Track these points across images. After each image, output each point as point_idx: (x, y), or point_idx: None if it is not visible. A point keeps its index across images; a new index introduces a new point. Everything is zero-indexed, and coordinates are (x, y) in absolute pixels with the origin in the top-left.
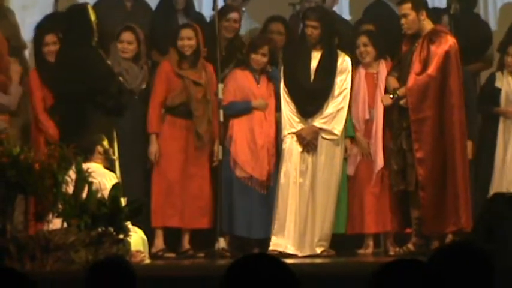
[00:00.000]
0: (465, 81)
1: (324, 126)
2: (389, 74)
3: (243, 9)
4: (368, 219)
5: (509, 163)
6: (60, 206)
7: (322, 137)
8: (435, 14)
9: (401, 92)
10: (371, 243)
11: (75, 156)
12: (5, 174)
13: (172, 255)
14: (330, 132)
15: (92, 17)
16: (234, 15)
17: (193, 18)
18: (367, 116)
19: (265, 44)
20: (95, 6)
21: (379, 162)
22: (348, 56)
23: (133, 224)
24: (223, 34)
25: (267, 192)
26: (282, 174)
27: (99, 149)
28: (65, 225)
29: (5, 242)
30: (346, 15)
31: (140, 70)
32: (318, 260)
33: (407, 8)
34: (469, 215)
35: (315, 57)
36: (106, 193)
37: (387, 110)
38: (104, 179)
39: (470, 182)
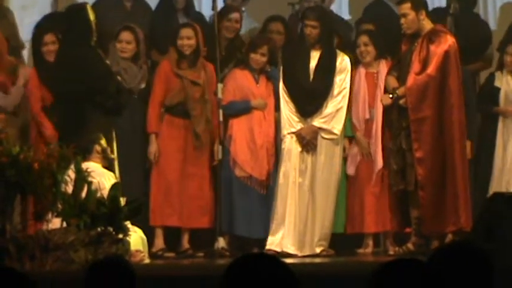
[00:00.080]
0: (464, 80)
1: (324, 126)
2: (388, 73)
3: (243, 9)
4: (368, 219)
5: (509, 163)
6: (59, 206)
7: (322, 137)
8: (438, 15)
9: (400, 91)
10: (371, 242)
11: (75, 156)
12: (4, 174)
13: (172, 254)
14: (330, 132)
15: (91, 16)
16: (235, 15)
17: (193, 18)
18: (367, 116)
19: (264, 44)
20: (94, 6)
21: (379, 162)
22: (348, 55)
23: (132, 224)
24: (223, 34)
25: (266, 191)
26: (281, 174)
27: (97, 148)
28: (65, 224)
29: (4, 242)
30: (346, 15)
31: (139, 70)
32: (318, 260)
33: (406, 7)
34: (468, 214)
35: (314, 57)
36: (105, 193)
37: (386, 109)
38: (102, 178)
39: (470, 182)
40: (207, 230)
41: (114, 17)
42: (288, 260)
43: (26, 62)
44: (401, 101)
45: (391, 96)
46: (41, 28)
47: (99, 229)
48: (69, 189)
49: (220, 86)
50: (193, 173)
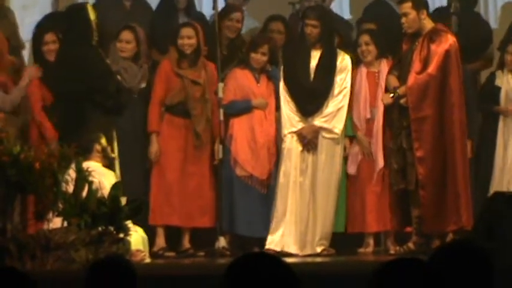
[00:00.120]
0: (465, 80)
1: (325, 125)
2: (389, 72)
3: (243, 8)
4: (369, 218)
5: (510, 162)
6: (60, 205)
7: (323, 136)
8: (441, 14)
9: (401, 91)
10: (371, 242)
11: (76, 155)
12: (5, 173)
13: (172, 254)
14: (331, 131)
15: (92, 16)
16: (236, 15)
17: (194, 18)
18: (368, 115)
19: (265, 43)
20: (94, 6)
21: (381, 161)
22: (348, 54)
23: (133, 223)
24: (225, 34)
25: (267, 191)
26: (281, 174)
27: (97, 147)
28: (65, 224)
29: (5, 241)
30: (347, 15)
31: (139, 69)
32: (319, 259)
33: (407, 7)
34: (469, 213)
35: (315, 56)
36: (105, 192)
37: (387, 109)
38: (103, 177)
39: (471, 181)
40: (207, 229)
41: (113, 17)
42: (289, 259)
43: (26, 62)
44: (402, 100)
45: (391, 95)
46: (41, 27)
47: (100, 228)
48: (70, 188)
49: (221, 85)
50: (194, 172)
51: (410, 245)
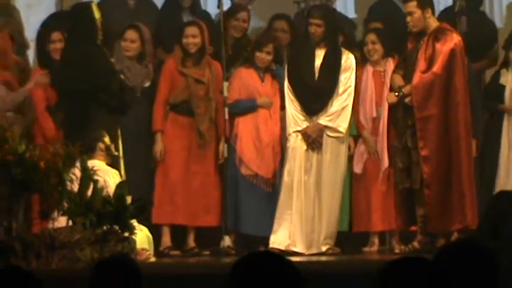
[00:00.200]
0: (470, 79)
1: (329, 124)
2: (394, 71)
3: (249, 8)
4: (375, 217)
5: None
6: (65, 204)
7: (327, 135)
8: (449, 14)
9: (406, 90)
10: (376, 241)
11: (81, 154)
12: (10, 172)
13: (178, 253)
14: (335, 130)
15: (97, 15)
16: (242, 14)
17: (199, 16)
18: (374, 114)
19: (269, 42)
20: (98, 5)
21: (386, 160)
22: (353, 53)
23: (138, 222)
24: (231, 33)
25: (272, 190)
26: (285, 172)
27: (101, 145)
28: (70, 223)
29: (10, 240)
30: (352, 13)
31: (142, 68)
32: (324, 258)
33: (412, 5)
34: (474, 212)
35: (319, 55)
36: (110, 191)
37: (392, 108)
38: (107, 176)
39: (476, 180)
40: (213, 228)
41: (117, 16)
42: (294, 258)
43: (31, 61)
44: (407, 99)
45: (396, 94)
46: (48, 26)
47: (105, 227)
48: (75, 187)
49: (225, 84)
50: (198, 171)
51: (415, 244)
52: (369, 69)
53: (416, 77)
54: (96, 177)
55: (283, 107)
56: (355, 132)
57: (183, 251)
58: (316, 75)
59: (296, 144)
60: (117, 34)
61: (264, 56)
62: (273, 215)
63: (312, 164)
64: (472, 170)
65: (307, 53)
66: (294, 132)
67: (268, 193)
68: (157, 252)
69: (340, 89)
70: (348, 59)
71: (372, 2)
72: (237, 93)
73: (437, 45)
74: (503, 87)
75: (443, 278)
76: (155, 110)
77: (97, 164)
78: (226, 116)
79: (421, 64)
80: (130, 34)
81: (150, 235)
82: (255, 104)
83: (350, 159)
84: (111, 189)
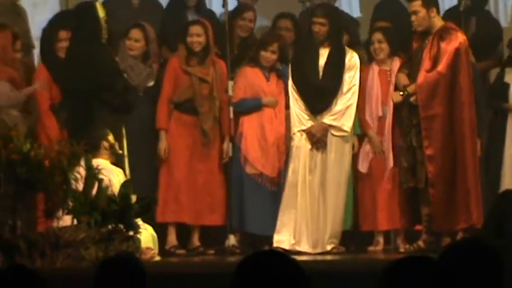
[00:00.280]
0: (474, 78)
1: (334, 123)
2: (399, 71)
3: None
4: (380, 217)
5: None
6: (70, 203)
7: (332, 134)
8: (453, 13)
9: (411, 89)
10: (381, 240)
11: (86, 153)
12: (15, 171)
13: (184, 251)
14: (340, 129)
15: (101, 14)
16: (249, 14)
17: (204, 15)
18: (380, 113)
19: (274, 41)
20: (102, 4)
21: (392, 159)
22: (357, 52)
23: (143, 221)
24: (237, 33)
25: (277, 189)
26: (290, 172)
27: (105, 144)
28: (75, 222)
29: (15, 239)
30: (357, 13)
31: (146, 68)
32: (328, 257)
33: (417, 5)
34: (480, 211)
35: (323, 54)
36: (114, 189)
37: (397, 107)
38: (111, 175)
39: (481, 179)
40: (217, 227)
41: (121, 15)
42: (298, 258)
43: (35, 61)
44: (411, 99)
45: (401, 93)
46: (54, 24)
47: (109, 226)
48: (80, 186)
49: (230, 83)
50: (202, 169)
51: (420, 243)
52: (375, 68)
53: (421, 76)
54: (100, 176)
55: (288, 106)
56: (360, 131)
57: (187, 250)
58: (321, 74)
59: (300, 143)
60: (122, 33)
61: (268, 55)
62: (277, 214)
63: (317, 163)
64: (477, 169)
65: (311, 52)
66: (298, 131)
67: (273, 192)
68: (163, 251)
69: (345, 88)
70: (352, 58)
71: (377, 1)
72: (242, 92)
73: (442, 45)
74: (507, 85)
75: (448, 277)
76: (159, 109)
77: (101, 162)
78: (231, 115)
79: (426, 63)
80: (135, 33)
81: (154, 234)
82: (260, 103)
83: (353, 158)
84: (115, 188)
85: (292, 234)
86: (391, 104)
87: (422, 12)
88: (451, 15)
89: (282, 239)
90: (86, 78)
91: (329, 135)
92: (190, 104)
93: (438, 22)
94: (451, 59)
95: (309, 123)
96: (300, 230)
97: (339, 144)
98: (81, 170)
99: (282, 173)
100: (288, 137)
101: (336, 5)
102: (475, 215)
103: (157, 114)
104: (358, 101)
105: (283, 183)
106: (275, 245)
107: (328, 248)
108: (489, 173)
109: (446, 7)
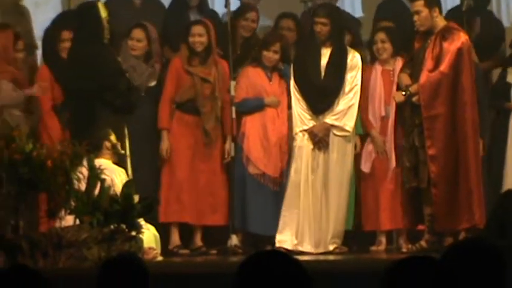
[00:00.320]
0: (477, 78)
1: (336, 123)
2: (401, 71)
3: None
4: (383, 216)
5: None
6: (72, 203)
7: (334, 134)
8: (459, 15)
9: (413, 89)
10: (384, 240)
11: (88, 153)
12: (17, 171)
13: (187, 251)
14: (342, 129)
15: (103, 14)
16: (252, 14)
17: (207, 15)
18: (383, 113)
19: (277, 41)
20: (105, 4)
21: (394, 159)
22: (359, 52)
23: (145, 221)
24: (240, 33)
25: (279, 189)
26: (292, 172)
27: (107, 144)
28: (78, 222)
29: (17, 239)
30: (359, 13)
31: (148, 68)
32: (331, 257)
33: (419, 4)
34: (482, 211)
35: (325, 54)
36: (116, 189)
37: (399, 107)
38: (113, 175)
39: (483, 179)
40: (220, 227)
41: (124, 15)
42: (301, 258)
43: (38, 61)
44: (414, 98)
45: (403, 93)
46: (58, 25)
47: (112, 226)
48: (82, 186)
49: (233, 83)
50: (204, 169)
51: (423, 243)
52: (378, 68)
53: (424, 76)
54: (103, 176)
55: (290, 106)
56: (362, 131)
57: (190, 250)
58: (322, 74)
59: (303, 143)
60: (124, 33)
61: (271, 55)
62: (280, 214)
63: (319, 163)
64: (479, 169)
65: (313, 52)
66: (300, 131)
67: (275, 192)
68: (166, 251)
69: (347, 87)
70: (354, 58)
71: (379, 0)
72: (245, 92)
73: (445, 44)
74: (509, 85)
75: (450, 277)
76: (161, 108)
77: (104, 162)
78: (234, 115)
79: (429, 63)
80: (137, 33)
81: (157, 234)
82: (263, 103)
83: (356, 158)
84: (118, 188)
85: (295, 234)
86: (394, 104)
87: (425, 12)
88: (453, 15)
89: (284, 239)
90: (88, 78)
91: (331, 135)
92: (192, 104)
93: (440, 22)
94: (453, 58)
95: (311, 123)
96: (302, 230)
97: (341, 144)
98: (84, 170)
99: (284, 173)
100: (290, 137)
101: (339, 4)
102: (478, 215)
103: (159, 114)
104: (360, 101)
105: (285, 183)
106: (277, 245)
107: (331, 248)
108: (491, 173)
109: (449, 7)
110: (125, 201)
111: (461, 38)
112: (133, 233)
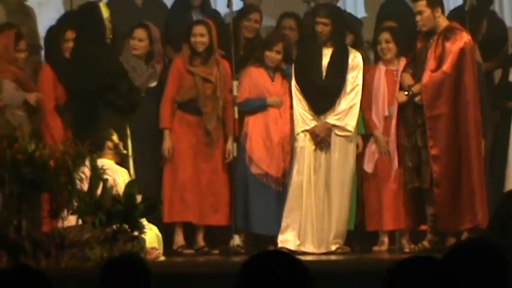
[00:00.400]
0: (479, 78)
1: (337, 123)
2: (404, 70)
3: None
4: (386, 217)
5: None
6: (75, 203)
7: (336, 134)
8: (462, 15)
9: (416, 89)
10: (386, 240)
11: (90, 153)
12: (20, 171)
13: (191, 251)
14: (343, 129)
15: (105, 14)
16: (255, 15)
17: (209, 15)
18: (386, 113)
19: (279, 41)
20: (106, 4)
21: (397, 159)
22: (360, 52)
23: (148, 221)
24: (243, 33)
25: (282, 189)
26: (294, 172)
27: (109, 144)
28: (80, 222)
29: (20, 239)
30: (362, 13)
31: (148, 68)
32: (333, 257)
33: (422, 5)
34: (484, 211)
35: (326, 54)
36: (118, 189)
37: (402, 107)
38: (116, 175)
39: (486, 179)
40: (222, 227)
41: (125, 15)
42: (303, 258)
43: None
44: (416, 98)
45: (406, 93)
46: (61, 25)
47: (114, 226)
48: (85, 186)
49: (235, 83)
50: (206, 169)
51: (425, 243)
52: (382, 68)
53: (426, 76)
54: (105, 176)
55: (293, 106)
56: (364, 130)
57: (192, 250)
58: (324, 74)
59: (304, 143)
60: (126, 33)
61: (273, 55)
62: (282, 214)
63: (321, 163)
64: (482, 169)
65: (315, 52)
66: (302, 131)
67: (278, 192)
68: (170, 251)
69: (348, 87)
70: (355, 58)
71: (382, 0)
72: (247, 92)
73: (447, 44)
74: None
75: (453, 277)
76: (162, 108)
77: (106, 162)
78: (236, 115)
79: (431, 63)
80: (139, 33)
81: (159, 234)
82: (265, 103)
83: (357, 158)
84: (120, 188)
85: (297, 234)
86: (396, 104)
87: (427, 12)
88: (456, 15)
89: (287, 239)
90: (90, 78)
91: (333, 135)
92: (194, 103)
93: (443, 22)
94: (456, 58)
95: (312, 123)
96: (304, 230)
97: (342, 144)
98: (86, 170)
99: (287, 173)
100: (292, 137)
101: (341, 4)
102: (480, 215)
103: (160, 114)
104: (363, 101)
105: (288, 183)
106: (280, 245)
107: (333, 248)
108: (494, 173)
109: (451, 7)
110: (127, 201)
111: (463, 38)
112: (136, 233)
